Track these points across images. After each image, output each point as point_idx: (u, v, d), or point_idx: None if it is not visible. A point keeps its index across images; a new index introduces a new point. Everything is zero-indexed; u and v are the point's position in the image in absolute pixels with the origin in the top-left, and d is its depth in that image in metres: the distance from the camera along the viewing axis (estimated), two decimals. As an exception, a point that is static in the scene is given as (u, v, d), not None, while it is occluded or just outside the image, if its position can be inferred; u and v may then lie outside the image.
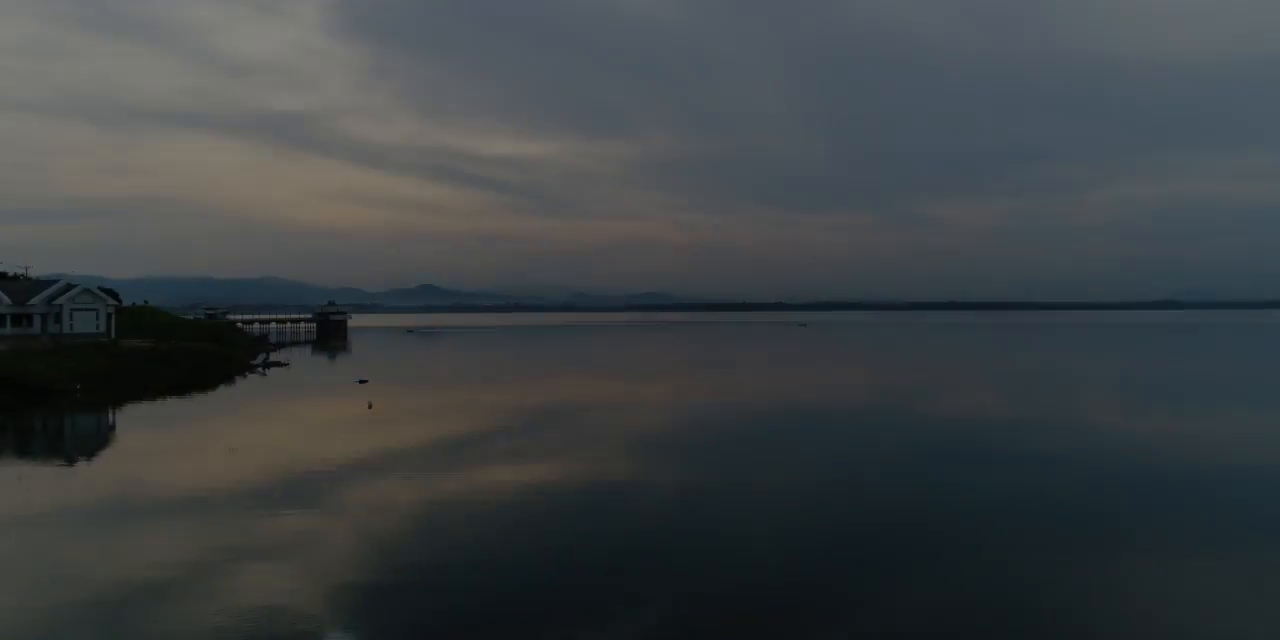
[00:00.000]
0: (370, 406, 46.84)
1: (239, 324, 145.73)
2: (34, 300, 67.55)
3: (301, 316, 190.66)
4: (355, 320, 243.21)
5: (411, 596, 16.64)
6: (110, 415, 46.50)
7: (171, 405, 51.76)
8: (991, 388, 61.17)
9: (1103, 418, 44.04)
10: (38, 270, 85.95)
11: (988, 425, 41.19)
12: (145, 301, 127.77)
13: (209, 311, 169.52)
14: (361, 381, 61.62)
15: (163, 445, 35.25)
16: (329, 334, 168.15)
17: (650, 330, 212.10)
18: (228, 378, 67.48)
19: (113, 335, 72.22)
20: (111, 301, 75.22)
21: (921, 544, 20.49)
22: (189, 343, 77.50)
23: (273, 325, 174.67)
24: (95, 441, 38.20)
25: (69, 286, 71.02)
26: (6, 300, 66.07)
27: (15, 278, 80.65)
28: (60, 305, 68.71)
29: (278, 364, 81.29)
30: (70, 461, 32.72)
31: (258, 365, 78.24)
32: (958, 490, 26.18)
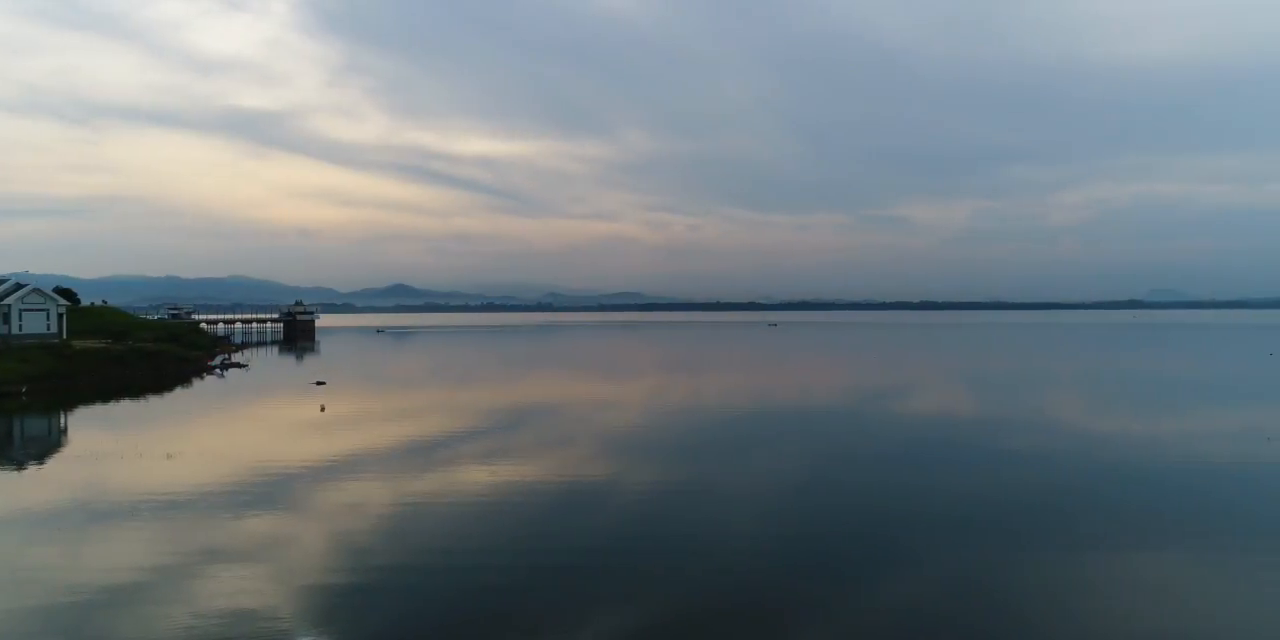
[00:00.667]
0: (322, 409, 45.74)
1: (203, 324, 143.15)
2: (-19, 300, 65.49)
3: (268, 317, 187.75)
4: (326, 320, 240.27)
5: (363, 599, 15.84)
6: (59, 418, 44.99)
7: (123, 408, 50.23)
8: (957, 387, 61.14)
9: (1067, 416, 43.99)
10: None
11: (955, 424, 40.95)
12: (104, 301, 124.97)
13: (173, 311, 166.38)
14: (319, 383, 60.45)
15: (104, 449, 33.93)
16: (296, 334, 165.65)
17: (624, 330, 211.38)
18: (184, 380, 65.88)
19: (64, 336, 70.28)
20: (63, 302, 73.23)
21: (892, 543, 20.34)
22: (146, 344, 75.65)
23: (238, 326, 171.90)
24: (41, 445, 36.81)
25: (18, 286, 68.99)
26: (-49, 300, 63.99)
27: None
28: (9, 305, 66.69)
29: (236, 365, 79.59)
30: (18, 465, 31.35)
31: (215, 367, 76.52)
32: (926, 489, 25.91)
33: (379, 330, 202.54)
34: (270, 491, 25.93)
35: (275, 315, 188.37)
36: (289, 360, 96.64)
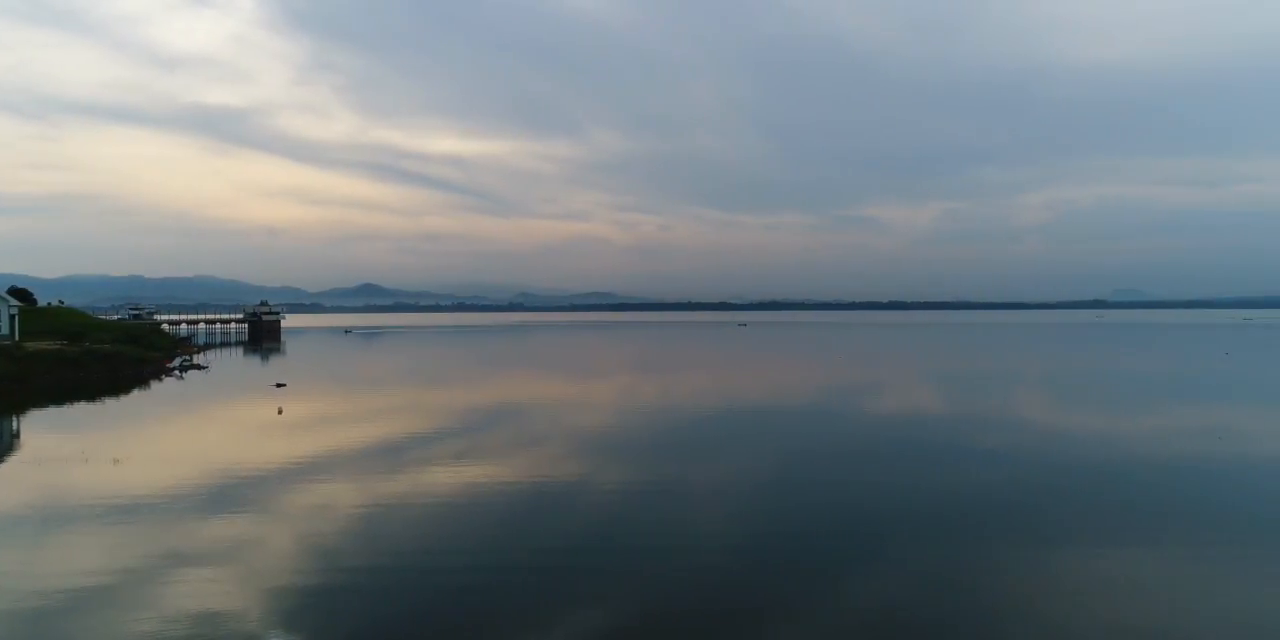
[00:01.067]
0: (280, 412, 44.87)
1: (165, 325, 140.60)
2: (-72, 300, 63.66)
3: (233, 317, 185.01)
4: (293, 321, 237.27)
5: (325, 601, 15.40)
6: (9, 422, 43.74)
7: (76, 411, 48.95)
8: (924, 386, 61.59)
9: (1030, 414, 44.41)
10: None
11: (922, 423, 41.14)
12: (60, 301, 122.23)
13: (134, 311, 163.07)
14: (279, 385, 59.43)
15: (48, 454, 32.97)
16: (262, 335, 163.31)
17: (594, 330, 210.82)
18: (141, 382, 64.49)
19: (17, 337, 68.51)
20: (15, 302, 71.44)
21: (862, 540, 20.49)
22: (103, 345, 73.97)
23: (202, 326, 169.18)
24: (-20, 451, 35.69)
25: (-32, 286, 67.14)
26: (-103, 300, 62.13)
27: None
28: (-42, 306, 64.87)
29: (196, 367, 78.08)
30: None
31: (174, 369, 75.03)
32: (895, 486, 26.00)
33: (347, 331, 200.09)
34: (216, 497, 25.30)
35: (240, 316, 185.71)
36: (252, 361, 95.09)
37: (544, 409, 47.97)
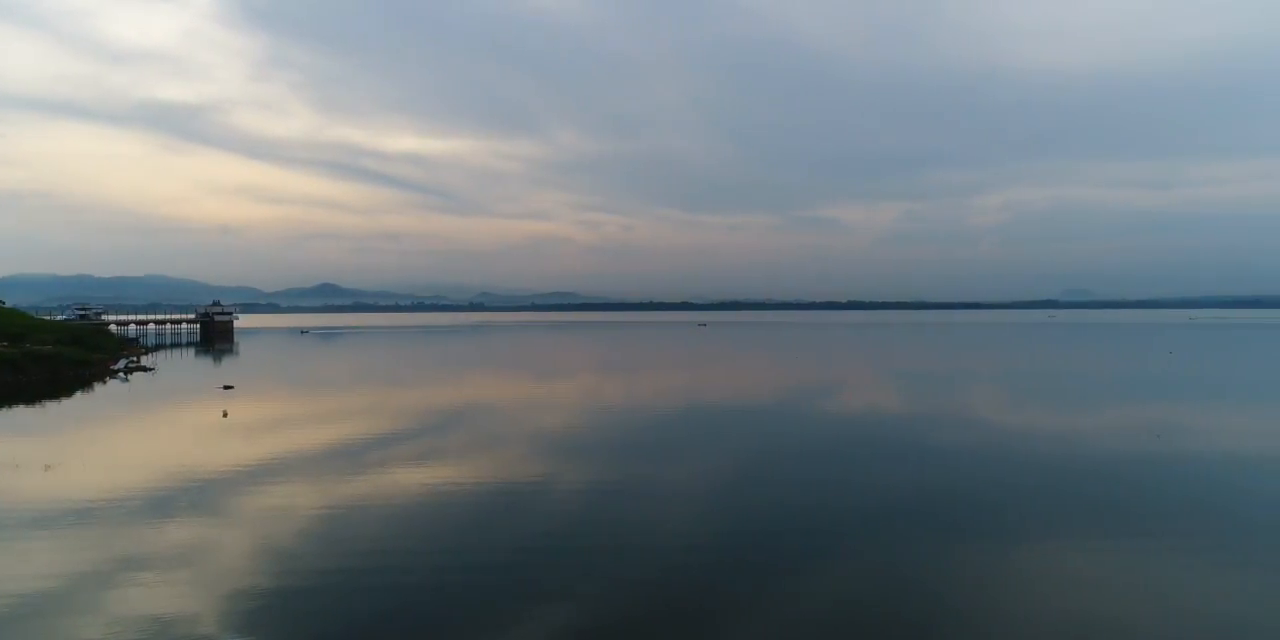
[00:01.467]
0: (225, 415, 43.91)
1: (112, 326, 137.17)
2: None
3: (184, 317, 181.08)
4: (249, 321, 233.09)
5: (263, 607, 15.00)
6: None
7: (11, 416, 47.41)
8: (880, 385, 62.29)
9: (980, 413, 45.12)
10: None
11: (878, 421, 41.59)
12: (0, 301, 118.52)
13: (81, 312, 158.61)
14: (226, 387, 58.23)
15: (-20, 461, 31.88)
16: (214, 336, 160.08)
17: (555, 330, 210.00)
18: (84, 384, 62.77)
19: (-49, 339, 66.23)
20: (-49, 302, 69.05)
21: (822, 538, 20.79)
22: (44, 347, 71.81)
23: (151, 327, 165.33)
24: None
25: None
26: None
27: None
28: (-112, 306, 62.50)
29: (142, 369, 76.20)
30: None
31: (118, 371, 73.13)
32: (852, 484, 26.31)
33: (303, 331, 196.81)
34: (150, 503, 24.64)
35: (192, 316, 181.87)
36: (201, 363, 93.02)
37: (499, 410, 47.58)
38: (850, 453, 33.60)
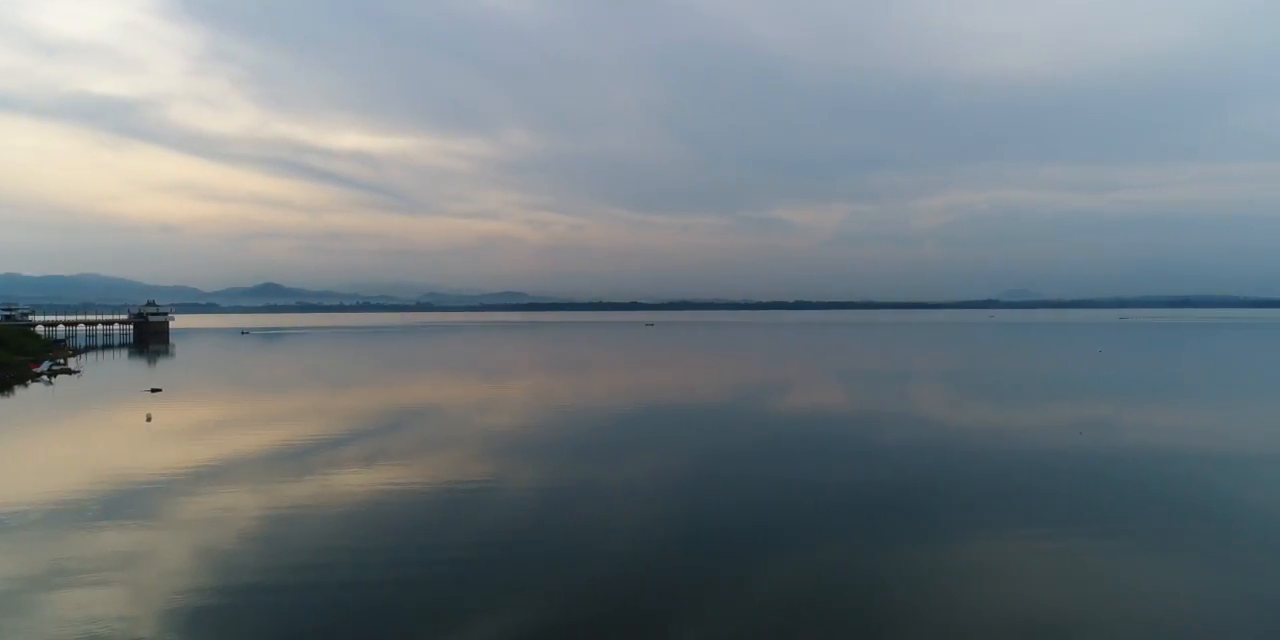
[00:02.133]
0: (149, 419, 42.58)
1: (40, 326, 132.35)
2: None
3: (117, 318, 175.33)
4: (187, 321, 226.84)
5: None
6: None
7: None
8: (822, 384, 63.08)
9: (917, 411, 45.94)
10: None
11: (815, 419, 42.07)
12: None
13: (5, 312, 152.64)
14: (154, 390, 56.49)
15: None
16: (148, 337, 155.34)
17: (500, 330, 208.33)
18: (3, 387, 60.39)
19: None
20: None
21: (768, 535, 21.02)
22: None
23: (82, 328, 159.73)
24: None
25: None
26: None
27: None
28: None
29: (67, 371, 73.60)
30: None
31: (41, 373, 70.52)
32: (795, 482, 26.82)
33: (244, 332, 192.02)
34: (53, 514, 23.80)
35: (125, 316, 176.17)
36: (132, 365, 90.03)
37: (436, 412, 47.00)
38: (789, 450, 33.98)
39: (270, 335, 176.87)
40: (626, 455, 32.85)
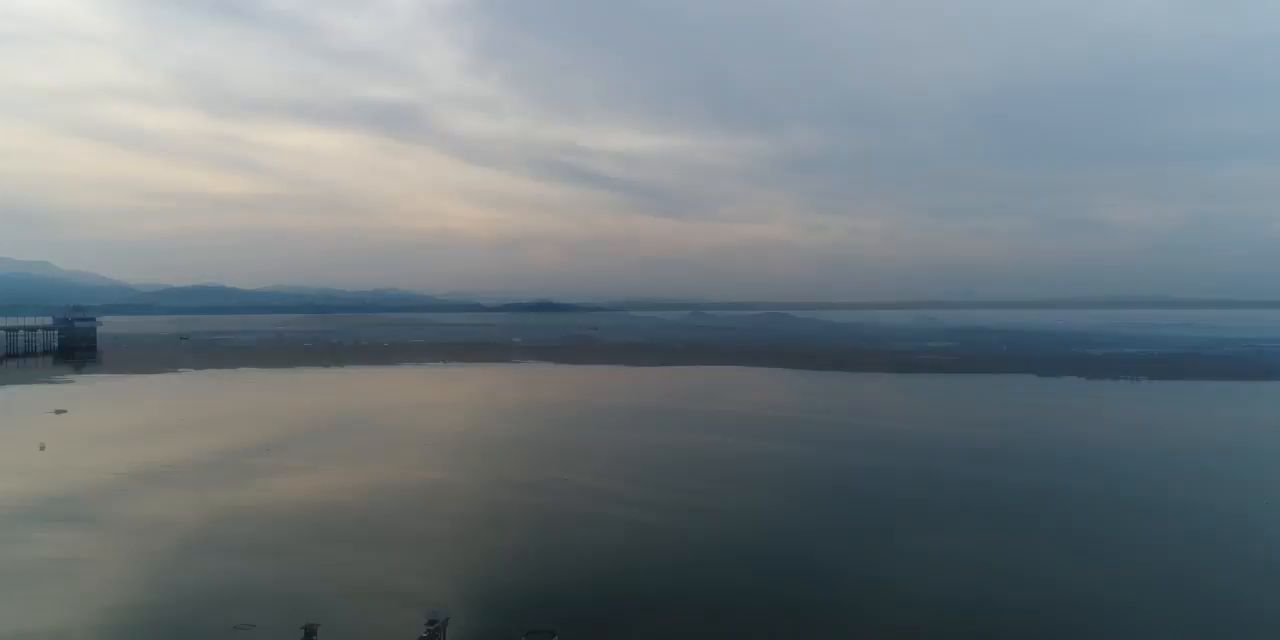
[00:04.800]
0: (42, 448, 38.42)
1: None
2: None
3: (40, 323, 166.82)
4: (118, 326, 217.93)
5: None
6: None
7: None
8: (769, 384, 61.82)
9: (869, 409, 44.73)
10: None
11: (766, 418, 40.56)
12: None
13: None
14: (59, 412, 51.60)
15: None
16: (76, 343, 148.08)
17: (447, 331, 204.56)
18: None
19: None
20: None
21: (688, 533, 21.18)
22: None
23: (1, 333, 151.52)
24: None
25: None
26: None
27: None
28: None
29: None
30: None
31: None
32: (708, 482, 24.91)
33: (182, 337, 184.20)
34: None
35: (49, 321, 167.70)
36: (51, 376, 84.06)
37: (364, 416, 44.19)
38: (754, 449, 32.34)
39: (211, 339, 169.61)
40: (549, 456, 30.67)
